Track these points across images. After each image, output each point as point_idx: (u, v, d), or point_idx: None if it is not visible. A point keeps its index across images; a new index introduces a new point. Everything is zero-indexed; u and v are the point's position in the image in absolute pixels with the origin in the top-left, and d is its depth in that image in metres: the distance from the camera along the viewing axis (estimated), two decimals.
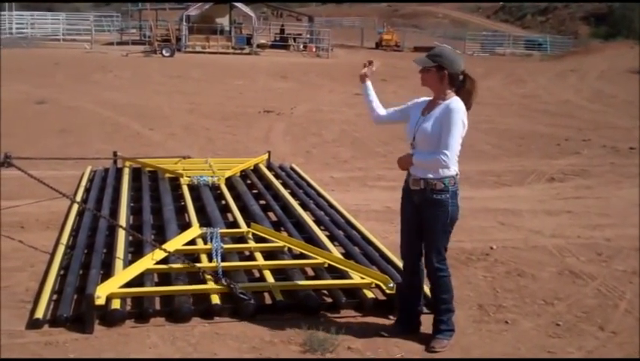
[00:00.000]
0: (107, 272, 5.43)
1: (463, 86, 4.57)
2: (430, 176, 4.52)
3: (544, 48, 46.40)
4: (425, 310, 4.93)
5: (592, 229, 7.72)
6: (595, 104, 20.92)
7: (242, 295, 4.99)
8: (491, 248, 6.85)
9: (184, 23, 37.95)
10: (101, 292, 4.80)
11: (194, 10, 39.08)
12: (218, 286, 5.11)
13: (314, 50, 40.45)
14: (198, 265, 5.48)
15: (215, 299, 5.01)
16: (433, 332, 4.72)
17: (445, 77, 4.52)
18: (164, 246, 5.62)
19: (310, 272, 5.75)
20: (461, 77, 4.56)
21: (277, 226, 6.93)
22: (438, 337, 4.68)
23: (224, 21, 40.69)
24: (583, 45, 45.14)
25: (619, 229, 7.68)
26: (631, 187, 9.84)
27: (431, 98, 4.67)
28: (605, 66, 31.48)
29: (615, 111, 18.76)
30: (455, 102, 4.50)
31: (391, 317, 5.03)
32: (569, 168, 11.14)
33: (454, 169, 4.54)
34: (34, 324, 4.68)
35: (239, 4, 39.47)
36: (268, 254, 5.97)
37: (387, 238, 6.75)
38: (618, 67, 30.11)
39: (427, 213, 4.60)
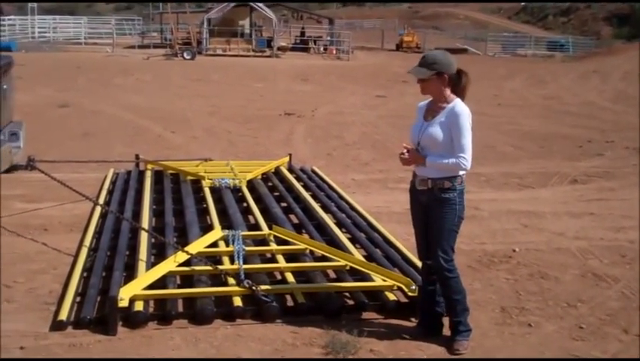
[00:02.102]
0: (130, 274, 5.46)
1: (460, 83, 4.59)
2: (438, 175, 4.53)
3: (567, 49, 46.07)
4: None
5: (615, 231, 7.64)
6: (618, 105, 20.72)
7: (264, 298, 5.00)
8: (514, 250, 6.81)
9: (205, 26, 38.10)
10: (124, 294, 4.84)
11: (215, 13, 39.26)
12: (241, 289, 5.12)
13: (334, 52, 40.48)
14: (220, 267, 5.50)
15: (238, 301, 5.02)
16: (452, 334, 4.69)
17: (446, 80, 4.55)
18: (186, 248, 5.65)
19: (332, 275, 5.74)
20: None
21: (298, 228, 6.94)
22: (458, 338, 4.65)
23: (244, 24, 40.85)
24: (605, 46, 44.73)
25: None
26: None
27: (429, 100, 4.69)
28: (628, 67, 31.12)
29: (638, 112, 18.56)
30: (459, 105, 4.53)
31: (413, 319, 5.01)
32: (592, 169, 11.04)
33: None
34: (57, 326, 4.71)
35: (259, 7, 39.56)
36: (290, 257, 5.97)
37: (408, 240, 6.68)
38: None
39: (434, 212, 4.59)
